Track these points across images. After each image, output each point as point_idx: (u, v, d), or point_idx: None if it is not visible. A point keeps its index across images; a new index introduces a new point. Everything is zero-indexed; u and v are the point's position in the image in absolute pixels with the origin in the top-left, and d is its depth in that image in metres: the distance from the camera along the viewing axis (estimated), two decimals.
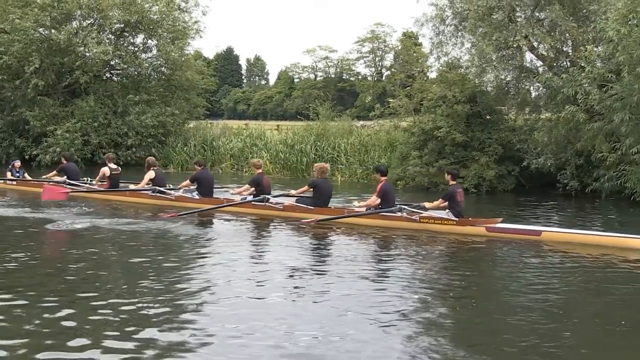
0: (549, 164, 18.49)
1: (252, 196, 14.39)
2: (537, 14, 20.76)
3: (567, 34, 19.63)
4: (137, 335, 6.24)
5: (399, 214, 12.76)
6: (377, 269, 9.66)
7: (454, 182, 12.88)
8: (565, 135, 18.82)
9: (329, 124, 27.83)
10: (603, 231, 12.21)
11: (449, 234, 12.19)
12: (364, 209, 13.18)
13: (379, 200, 13.00)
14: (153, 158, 17.10)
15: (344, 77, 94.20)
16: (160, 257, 9.82)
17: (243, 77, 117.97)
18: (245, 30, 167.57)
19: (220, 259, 9.84)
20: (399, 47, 66.47)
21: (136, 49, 31.59)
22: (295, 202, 14.08)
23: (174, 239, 11.69)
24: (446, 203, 12.57)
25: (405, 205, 13.04)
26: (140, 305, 7.20)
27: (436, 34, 22.31)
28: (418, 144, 21.37)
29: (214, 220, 13.85)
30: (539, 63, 21.39)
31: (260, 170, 14.94)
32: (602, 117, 16.81)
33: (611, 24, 15.48)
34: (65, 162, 17.81)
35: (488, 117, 21.51)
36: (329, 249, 11.54)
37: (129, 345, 6.02)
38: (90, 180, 17.68)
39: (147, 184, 15.80)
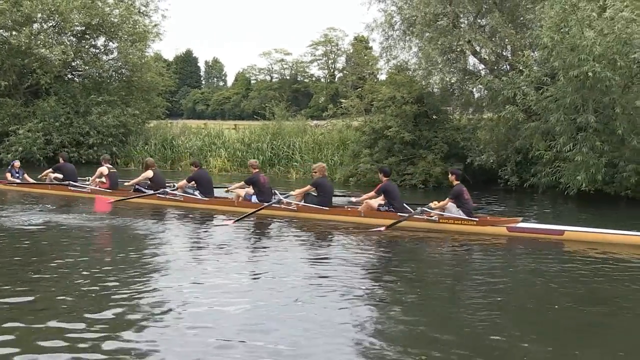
0: (491, 161, 18.84)
1: (254, 196, 14.04)
2: (479, 21, 21.15)
3: (507, 40, 20.02)
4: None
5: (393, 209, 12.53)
6: (408, 271, 9.12)
7: (458, 182, 12.44)
8: (506, 133, 19.21)
9: (285, 123, 27.86)
10: (626, 230, 11.32)
11: (469, 235, 11.68)
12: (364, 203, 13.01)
13: (373, 194, 12.84)
14: (152, 159, 16.75)
15: (298, 79, 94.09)
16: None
17: (202, 78, 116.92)
18: (204, 33, 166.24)
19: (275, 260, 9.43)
20: (351, 51, 66.69)
21: (97, 51, 31.21)
22: (304, 203, 13.67)
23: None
24: (453, 201, 12.12)
25: (409, 205, 12.78)
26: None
27: (385, 39, 22.54)
28: (369, 142, 21.54)
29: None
30: (481, 66, 21.76)
31: (257, 170, 14.61)
32: (538, 117, 17.19)
33: (545, 31, 15.84)
34: (62, 161, 17.38)
35: (434, 117, 21.80)
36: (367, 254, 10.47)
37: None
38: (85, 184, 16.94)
39: (144, 181, 15.54)
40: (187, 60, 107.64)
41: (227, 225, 12.22)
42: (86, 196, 15.79)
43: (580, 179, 15.32)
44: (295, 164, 24.86)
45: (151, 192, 15.32)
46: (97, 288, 7.61)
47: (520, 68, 17.34)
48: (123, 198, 15.06)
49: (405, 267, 9.39)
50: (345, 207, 13.69)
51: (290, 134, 26.65)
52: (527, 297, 7.75)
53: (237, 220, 12.47)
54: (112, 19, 29.11)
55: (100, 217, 13.17)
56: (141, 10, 31.01)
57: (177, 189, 15.15)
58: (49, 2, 27.25)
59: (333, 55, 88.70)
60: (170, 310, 6.84)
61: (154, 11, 31.28)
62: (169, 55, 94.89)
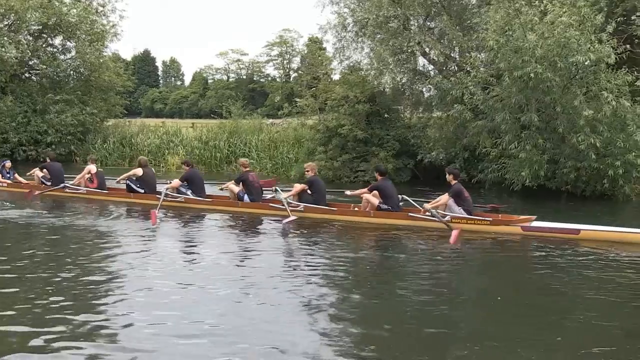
0: (440, 158, 19.04)
1: (246, 195, 13.67)
2: (428, 24, 21.39)
3: (455, 42, 20.26)
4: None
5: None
6: (425, 273, 8.69)
7: (456, 181, 11.98)
8: (454, 132, 19.44)
9: (241, 122, 27.72)
10: None
11: (483, 234, 11.24)
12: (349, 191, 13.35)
13: (365, 190, 12.78)
14: (145, 158, 16.12)
15: (254, 79, 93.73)
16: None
17: (160, 77, 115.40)
18: (161, 33, 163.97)
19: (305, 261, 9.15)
20: (305, 51, 66.76)
21: (55, 50, 30.49)
22: (297, 201, 13.23)
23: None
24: (451, 199, 11.70)
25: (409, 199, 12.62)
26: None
27: (339, 40, 22.60)
28: (323, 140, 21.60)
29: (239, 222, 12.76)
30: (431, 67, 22.00)
31: (247, 169, 14.13)
32: (485, 116, 17.44)
33: (491, 34, 16.10)
34: (49, 160, 16.75)
35: (386, 115, 21.95)
36: (362, 251, 10.41)
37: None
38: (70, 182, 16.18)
39: (130, 178, 15.05)
40: (145, 60, 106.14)
41: (289, 222, 11.65)
42: (82, 197, 15.41)
43: (524, 175, 15.61)
44: (252, 161, 24.74)
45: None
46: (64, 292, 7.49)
47: (468, 69, 17.58)
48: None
49: (421, 269, 8.91)
50: (352, 206, 13.17)
51: (247, 132, 26.55)
52: (551, 302, 7.33)
53: (289, 220, 11.77)
54: (70, 19, 28.42)
55: (85, 217, 12.92)
56: (99, 10, 30.41)
57: (169, 188, 14.33)
58: (2, 2, 26.58)
59: (288, 55, 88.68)
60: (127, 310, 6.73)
61: (111, 11, 30.72)
62: (127, 55, 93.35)
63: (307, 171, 13.56)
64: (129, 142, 28.41)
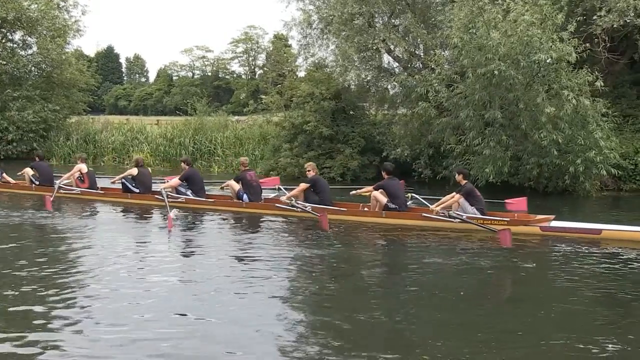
0: (405, 155, 19.07)
1: (245, 194, 13.30)
2: (393, 21, 21.35)
3: (419, 39, 20.29)
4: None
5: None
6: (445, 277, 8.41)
7: (467, 181, 11.68)
8: (419, 128, 19.49)
9: (206, 119, 27.49)
10: None
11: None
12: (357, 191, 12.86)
13: (370, 188, 12.45)
14: (141, 157, 15.64)
15: (219, 76, 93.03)
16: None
17: (123, 74, 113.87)
18: (125, 29, 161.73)
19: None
20: (271, 48, 66.46)
21: (15, 45, 29.74)
22: (303, 201, 12.76)
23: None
24: (465, 199, 11.33)
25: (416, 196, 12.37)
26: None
27: (304, 37, 22.50)
28: (289, 137, 21.47)
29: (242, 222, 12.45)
30: (396, 64, 22.00)
31: (246, 168, 13.78)
32: (449, 113, 17.50)
33: (455, 31, 16.12)
34: (37, 159, 16.26)
35: (351, 112, 21.91)
36: (369, 251, 10.18)
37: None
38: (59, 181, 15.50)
39: (126, 177, 14.58)
40: (108, 56, 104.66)
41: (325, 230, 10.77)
42: (76, 197, 14.93)
43: (488, 171, 15.69)
44: (217, 158, 24.66)
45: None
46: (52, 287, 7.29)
47: (432, 66, 17.60)
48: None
49: (436, 271, 8.62)
50: (361, 206, 12.76)
51: (212, 129, 26.35)
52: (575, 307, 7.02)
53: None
54: (30, 14, 27.79)
55: (80, 217, 12.62)
56: (60, 6, 29.72)
57: (166, 188, 13.79)
58: None
59: (253, 52, 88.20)
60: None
61: (73, 6, 30.06)
62: (90, 52, 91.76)
63: (309, 171, 13.14)
64: (92, 140, 28.13)
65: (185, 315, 6.47)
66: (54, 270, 8.08)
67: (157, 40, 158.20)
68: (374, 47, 20.10)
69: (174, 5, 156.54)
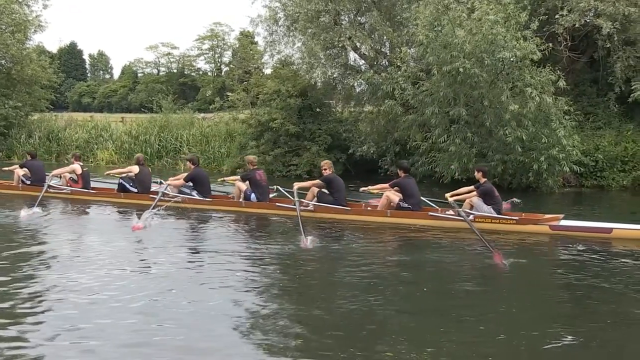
0: (372, 152, 19.10)
1: (253, 194, 12.70)
2: (358, 19, 21.34)
3: (385, 37, 20.32)
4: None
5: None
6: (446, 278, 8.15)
7: (486, 179, 11.36)
8: (385, 126, 19.53)
9: (172, 116, 27.21)
10: None
11: (509, 234, 10.59)
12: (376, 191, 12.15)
13: (386, 185, 11.96)
14: (142, 155, 14.97)
15: (185, 73, 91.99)
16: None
17: (87, 71, 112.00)
18: (89, 25, 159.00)
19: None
20: (237, 45, 65.98)
21: None
22: (317, 200, 12.31)
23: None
24: (481, 198, 11.08)
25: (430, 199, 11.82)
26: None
27: (270, 34, 22.34)
28: (255, 134, 21.35)
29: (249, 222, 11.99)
30: (362, 62, 22.00)
31: (254, 166, 13.10)
32: (415, 110, 17.54)
33: (421, 29, 16.16)
34: (30, 158, 15.47)
35: (318, 109, 21.87)
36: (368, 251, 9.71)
37: None
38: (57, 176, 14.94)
39: (126, 174, 14.07)
40: (71, 52, 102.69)
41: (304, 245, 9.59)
42: (66, 197, 14.29)
43: (453, 168, 15.80)
44: (183, 155, 24.35)
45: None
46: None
47: (398, 64, 17.62)
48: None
49: (442, 271, 8.42)
50: (364, 205, 12.41)
51: (178, 127, 26.08)
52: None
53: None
54: None
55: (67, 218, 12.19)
56: (20, 0, 28.95)
57: (171, 184, 13.36)
58: None
59: (219, 49, 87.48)
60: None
61: (34, 1, 29.23)
62: (53, 48, 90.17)
63: (324, 169, 12.44)
64: (55, 137, 27.63)
65: (152, 317, 6.34)
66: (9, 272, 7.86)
67: (121, 36, 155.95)
68: (340, 45, 20.08)
69: (138, 1, 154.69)
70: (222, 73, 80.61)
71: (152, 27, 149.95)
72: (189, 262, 8.70)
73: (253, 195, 12.83)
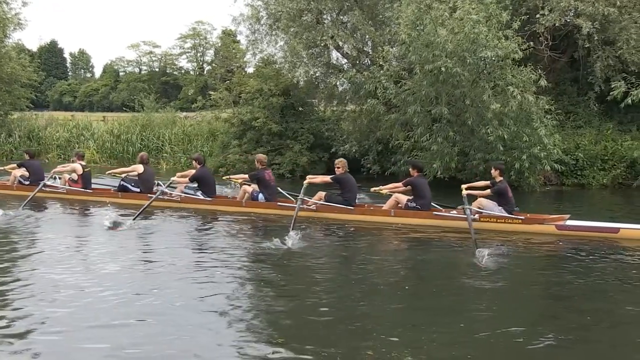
0: (354, 150, 19.06)
1: (261, 194, 12.42)
2: (341, 18, 21.29)
3: (367, 36, 20.31)
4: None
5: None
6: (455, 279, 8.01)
7: (502, 178, 11.22)
8: (368, 125, 19.51)
9: (154, 115, 27.05)
10: None
11: (514, 234, 10.53)
12: (386, 191, 11.74)
13: (399, 185, 11.67)
14: (146, 154, 14.47)
15: (167, 71, 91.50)
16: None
17: (68, 69, 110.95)
18: (69, 24, 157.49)
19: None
20: (219, 44, 65.76)
21: None
22: (325, 201, 12.09)
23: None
24: (494, 199, 10.94)
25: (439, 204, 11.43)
26: None
27: (252, 32, 22.24)
28: (237, 133, 21.24)
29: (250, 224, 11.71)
30: (344, 61, 21.96)
31: (263, 166, 12.72)
32: (398, 109, 17.52)
33: (403, 28, 16.13)
34: (28, 158, 15.00)
35: (300, 108, 21.81)
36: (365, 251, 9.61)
37: None
38: (54, 177, 14.54)
39: (133, 176, 13.69)
40: (52, 51, 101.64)
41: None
42: (62, 197, 13.96)
43: (435, 167, 15.80)
44: (165, 155, 24.26)
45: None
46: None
47: (381, 63, 17.59)
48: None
49: (444, 272, 8.32)
50: (366, 205, 12.28)
51: (160, 126, 25.93)
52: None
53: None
54: None
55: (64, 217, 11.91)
56: None
57: (177, 180, 13.24)
58: None
59: (202, 48, 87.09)
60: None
61: None
62: (33, 46, 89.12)
63: (338, 168, 12.20)
64: (36, 136, 27.41)
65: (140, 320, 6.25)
66: None
67: (102, 35, 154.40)
68: (323, 44, 20.04)
69: (119, 0, 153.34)
70: (205, 72, 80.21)
71: (133, 25, 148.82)
72: (172, 262, 8.56)
73: (261, 196, 12.55)
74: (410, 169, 11.97)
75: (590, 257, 9.11)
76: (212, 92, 24.94)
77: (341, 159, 12.71)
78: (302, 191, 11.82)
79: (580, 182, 17.72)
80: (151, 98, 28.53)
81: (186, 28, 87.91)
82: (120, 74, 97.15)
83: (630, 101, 16.29)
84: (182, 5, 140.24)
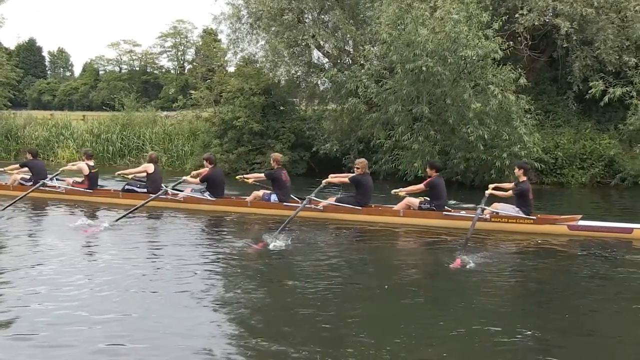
0: (335, 150, 19.04)
1: (274, 195, 12.10)
2: (322, 17, 21.26)
3: (348, 35, 20.26)
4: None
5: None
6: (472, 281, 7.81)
7: (525, 178, 10.87)
8: (349, 124, 19.49)
9: (134, 114, 26.74)
10: None
11: (526, 234, 10.39)
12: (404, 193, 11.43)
13: (421, 186, 11.26)
14: (155, 153, 14.17)
15: (148, 70, 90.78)
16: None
17: (47, 68, 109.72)
18: (48, 22, 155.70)
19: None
20: (200, 43, 65.35)
21: None
22: (336, 201, 11.85)
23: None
24: (510, 193, 10.75)
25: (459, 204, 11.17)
26: None
27: (233, 31, 22.11)
28: (219, 132, 21.12)
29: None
30: (325, 60, 21.92)
31: (279, 165, 12.41)
32: (379, 108, 17.53)
33: (384, 27, 16.15)
34: (30, 157, 14.47)
35: (282, 107, 21.71)
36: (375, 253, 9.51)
37: None
38: (57, 176, 14.26)
39: (141, 173, 13.34)
40: (30, 49, 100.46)
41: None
42: (61, 197, 13.59)
43: (417, 166, 15.83)
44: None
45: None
46: None
47: (362, 62, 17.59)
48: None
49: (450, 276, 8.10)
50: (373, 205, 11.92)
51: (140, 125, 25.67)
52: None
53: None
54: None
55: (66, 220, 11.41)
56: None
57: (189, 181, 12.90)
58: None
59: (182, 47, 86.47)
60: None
61: None
62: (11, 44, 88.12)
63: (357, 168, 11.81)
64: (14, 135, 27.00)
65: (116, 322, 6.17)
66: None
67: (82, 33, 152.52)
68: (304, 43, 19.99)
69: None
70: (185, 71, 79.72)
71: (113, 24, 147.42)
72: (145, 262, 8.52)
73: (273, 197, 12.21)
74: (428, 169, 11.66)
75: (602, 257, 9.06)
76: (193, 92, 24.76)
77: (362, 159, 12.29)
78: (315, 191, 11.72)
79: (560, 181, 17.85)
80: (132, 97, 28.24)
81: (167, 27, 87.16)
82: (100, 72, 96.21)
83: (607, 99, 16.47)
84: (162, 3, 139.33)
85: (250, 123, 19.97)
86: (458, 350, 5.52)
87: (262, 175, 12.63)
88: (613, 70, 17.22)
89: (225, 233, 10.77)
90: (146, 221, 11.57)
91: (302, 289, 7.34)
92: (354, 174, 11.86)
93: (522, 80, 15.62)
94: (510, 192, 10.84)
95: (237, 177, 13.08)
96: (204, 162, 13.17)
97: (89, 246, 9.47)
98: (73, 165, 14.54)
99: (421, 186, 11.38)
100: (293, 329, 6.00)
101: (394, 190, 11.75)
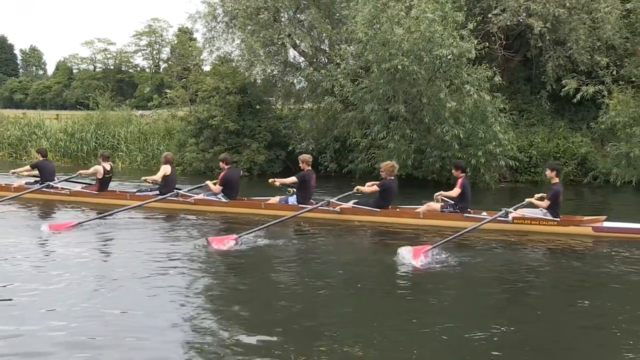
0: (311, 149, 18.98)
1: (292, 197, 11.85)
2: (298, 16, 21.24)
3: (324, 34, 20.27)
4: None
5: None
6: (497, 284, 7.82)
7: (558, 180, 10.71)
8: (325, 123, 19.51)
9: (109, 113, 26.51)
10: None
11: (549, 235, 10.23)
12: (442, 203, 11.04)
13: (457, 190, 10.87)
14: (171, 154, 13.80)
15: (122, 69, 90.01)
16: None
17: (19, 66, 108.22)
18: (20, 19, 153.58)
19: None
20: (175, 42, 64.93)
21: None
22: (354, 204, 11.55)
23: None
24: (548, 203, 10.47)
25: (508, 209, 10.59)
26: None
27: (209, 30, 22.00)
28: (194, 131, 21.01)
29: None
30: (301, 59, 21.90)
31: (309, 167, 12.03)
32: (355, 107, 17.55)
33: (360, 26, 16.16)
34: (40, 158, 14.09)
35: (258, 106, 21.64)
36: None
37: None
38: (71, 176, 14.14)
39: (161, 176, 12.82)
40: (1, 47, 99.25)
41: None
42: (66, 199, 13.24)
43: None
44: (121, 153, 23.81)
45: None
46: None
47: (337, 61, 17.60)
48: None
49: (467, 278, 7.98)
50: (390, 207, 11.66)
51: (115, 124, 25.43)
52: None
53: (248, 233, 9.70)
54: None
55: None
56: None
57: (208, 189, 12.57)
58: None
59: (157, 45, 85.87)
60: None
61: None
62: None
63: (382, 172, 11.56)
64: None
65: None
66: None
67: (55, 31, 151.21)
68: (280, 42, 19.94)
69: None
70: (161, 70, 79.20)
71: (87, 22, 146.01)
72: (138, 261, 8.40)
73: (291, 199, 11.94)
74: (454, 171, 11.38)
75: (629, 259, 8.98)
76: (168, 90, 24.62)
77: (389, 162, 12.02)
78: (340, 196, 11.63)
79: (534, 179, 18.03)
80: (106, 96, 27.97)
81: (142, 25, 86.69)
82: (74, 71, 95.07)
83: (580, 97, 16.68)
84: (137, 1, 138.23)
85: (226, 122, 19.88)
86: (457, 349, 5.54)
87: (295, 178, 12.13)
88: (585, 70, 17.43)
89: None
90: (148, 222, 11.38)
91: (294, 286, 7.45)
92: (383, 181, 11.54)
93: (497, 78, 15.74)
94: (546, 201, 10.56)
95: (269, 180, 12.46)
96: (220, 163, 12.77)
97: (66, 246, 9.29)
98: (87, 170, 14.18)
99: (456, 190, 10.99)
100: (283, 327, 6.04)
101: (437, 194, 11.28)
